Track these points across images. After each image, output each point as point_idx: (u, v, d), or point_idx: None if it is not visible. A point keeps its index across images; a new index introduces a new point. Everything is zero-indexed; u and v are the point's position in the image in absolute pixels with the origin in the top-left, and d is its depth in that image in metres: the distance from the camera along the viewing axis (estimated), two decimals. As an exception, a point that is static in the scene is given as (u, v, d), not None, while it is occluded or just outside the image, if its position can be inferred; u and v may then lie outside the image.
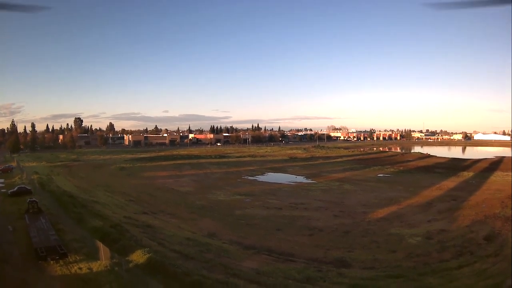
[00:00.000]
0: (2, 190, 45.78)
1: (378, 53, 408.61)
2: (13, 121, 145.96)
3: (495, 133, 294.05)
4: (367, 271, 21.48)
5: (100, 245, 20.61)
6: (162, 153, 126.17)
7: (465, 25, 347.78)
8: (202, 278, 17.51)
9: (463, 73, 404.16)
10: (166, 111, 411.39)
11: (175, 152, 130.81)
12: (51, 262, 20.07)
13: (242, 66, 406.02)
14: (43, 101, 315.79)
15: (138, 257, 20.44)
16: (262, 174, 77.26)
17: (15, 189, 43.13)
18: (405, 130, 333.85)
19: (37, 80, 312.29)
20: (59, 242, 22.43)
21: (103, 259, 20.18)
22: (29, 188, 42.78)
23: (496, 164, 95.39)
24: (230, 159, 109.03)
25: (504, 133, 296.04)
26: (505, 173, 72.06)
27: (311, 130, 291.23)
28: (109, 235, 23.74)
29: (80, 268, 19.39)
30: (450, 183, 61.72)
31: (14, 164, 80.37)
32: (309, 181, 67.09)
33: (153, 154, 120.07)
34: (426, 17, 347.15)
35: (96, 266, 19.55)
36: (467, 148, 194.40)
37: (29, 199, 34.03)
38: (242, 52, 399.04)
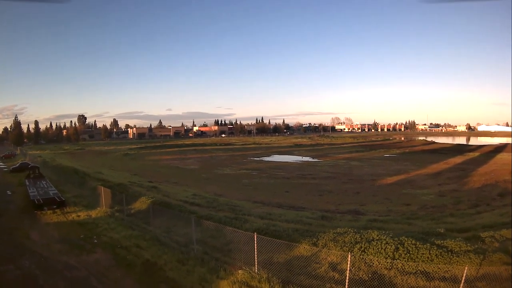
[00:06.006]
0: (4, 169, 45.45)
1: (381, 48, 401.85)
2: (16, 117, 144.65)
3: (498, 124, 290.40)
4: (383, 217, 20.45)
5: (102, 190, 19.76)
6: (167, 143, 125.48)
7: (467, 19, 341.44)
8: (209, 215, 16.59)
9: (466, 68, 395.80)
10: (170, 109, 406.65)
11: (179, 142, 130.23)
12: (48, 212, 19.27)
13: (245, 63, 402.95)
14: (46, 102, 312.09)
15: (141, 203, 19.59)
16: (268, 156, 76.21)
17: (17, 165, 42.76)
18: (409, 121, 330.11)
19: (39, 81, 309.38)
20: (58, 194, 21.64)
21: (104, 206, 19.31)
22: (31, 164, 42.19)
23: (501, 148, 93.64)
24: (235, 146, 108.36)
25: (507, 125, 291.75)
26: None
27: (315, 124, 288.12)
28: (111, 189, 22.77)
29: (78, 216, 18.51)
30: (457, 159, 60.33)
31: (18, 151, 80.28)
32: (316, 160, 65.99)
33: (158, 144, 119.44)
34: (429, 11, 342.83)
35: (95, 213, 18.68)
36: (471, 138, 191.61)
37: (30, 165, 33.42)
38: (245, 49, 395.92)
